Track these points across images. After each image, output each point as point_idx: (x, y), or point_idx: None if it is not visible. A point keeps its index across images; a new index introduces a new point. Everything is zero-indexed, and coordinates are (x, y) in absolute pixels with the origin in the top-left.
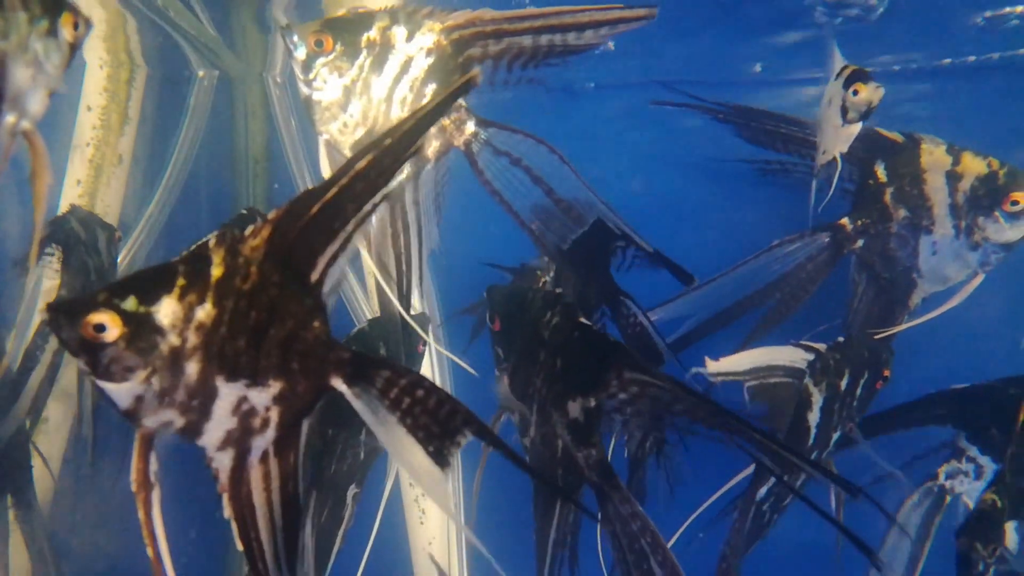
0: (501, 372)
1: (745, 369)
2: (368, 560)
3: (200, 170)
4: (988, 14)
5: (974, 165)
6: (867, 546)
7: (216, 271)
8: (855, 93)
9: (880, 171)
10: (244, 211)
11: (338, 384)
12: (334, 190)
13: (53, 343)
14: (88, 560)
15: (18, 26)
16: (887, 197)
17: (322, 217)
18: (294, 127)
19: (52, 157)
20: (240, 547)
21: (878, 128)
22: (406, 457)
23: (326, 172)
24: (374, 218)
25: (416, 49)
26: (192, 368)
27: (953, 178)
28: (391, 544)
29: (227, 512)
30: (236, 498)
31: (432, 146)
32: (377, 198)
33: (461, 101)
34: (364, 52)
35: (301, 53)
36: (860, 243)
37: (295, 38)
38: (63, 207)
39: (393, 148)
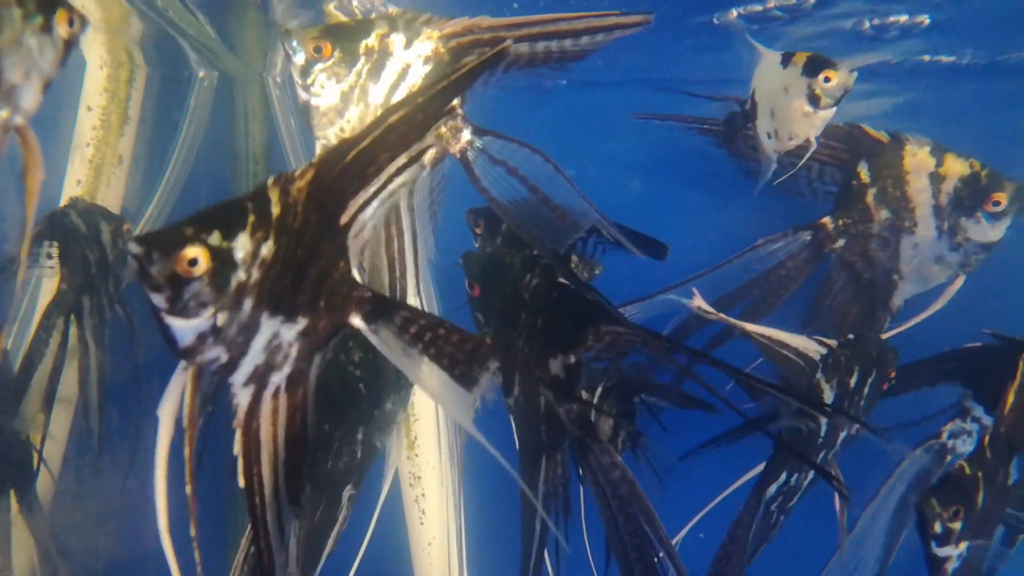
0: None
1: (747, 330)
2: (368, 560)
3: (200, 170)
4: (876, 22)
5: (957, 166)
6: (830, 476)
7: (275, 209)
8: (827, 80)
9: (863, 171)
10: None
11: (356, 321)
12: (368, 139)
13: (56, 340)
14: (88, 560)
15: (12, 22)
16: (869, 198)
17: (356, 163)
18: (294, 127)
19: (52, 157)
20: (241, 483)
21: (864, 127)
22: (430, 383)
23: None
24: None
25: (414, 56)
26: (248, 304)
27: (937, 179)
28: (391, 545)
29: (237, 448)
30: (247, 433)
31: (428, 152)
32: (412, 151)
33: (457, 109)
34: (362, 59)
35: (300, 59)
36: (841, 243)
37: (294, 44)
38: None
39: (424, 106)
